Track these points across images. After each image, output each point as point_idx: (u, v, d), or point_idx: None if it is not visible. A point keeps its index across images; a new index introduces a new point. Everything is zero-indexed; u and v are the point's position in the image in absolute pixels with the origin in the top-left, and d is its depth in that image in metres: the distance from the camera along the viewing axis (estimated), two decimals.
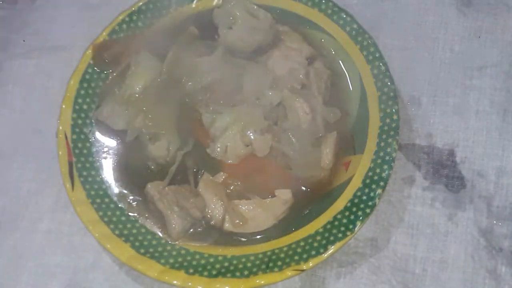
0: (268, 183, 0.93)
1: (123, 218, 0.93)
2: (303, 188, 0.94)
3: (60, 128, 0.97)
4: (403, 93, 1.04)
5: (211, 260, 0.90)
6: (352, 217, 0.89)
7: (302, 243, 0.90)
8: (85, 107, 0.99)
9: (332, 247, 0.88)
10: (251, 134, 0.92)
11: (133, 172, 0.96)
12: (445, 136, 1.02)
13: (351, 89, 1.00)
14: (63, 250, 0.99)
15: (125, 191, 0.96)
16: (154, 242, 0.92)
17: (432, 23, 1.08)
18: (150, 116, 0.94)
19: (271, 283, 0.87)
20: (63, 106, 0.98)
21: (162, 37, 1.03)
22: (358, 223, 0.88)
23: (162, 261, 0.89)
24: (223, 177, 0.93)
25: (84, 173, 0.95)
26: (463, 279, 0.93)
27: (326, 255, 0.87)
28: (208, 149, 0.93)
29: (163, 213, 0.92)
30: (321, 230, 0.90)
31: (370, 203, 0.89)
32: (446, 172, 0.99)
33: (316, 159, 0.93)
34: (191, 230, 0.93)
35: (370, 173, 0.92)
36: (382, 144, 0.93)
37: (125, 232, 0.92)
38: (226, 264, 0.89)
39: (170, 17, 1.05)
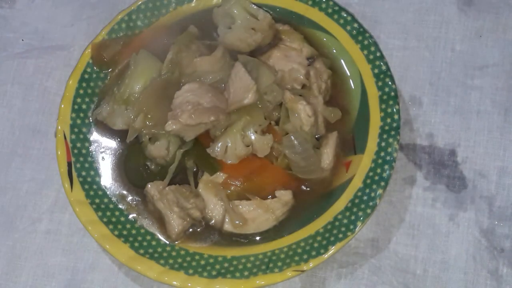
0: (268, 183, 0.93)
1: (122, 219, 0.93)
2: (304, 188, 0.94)
3: (59, 128, 0.96)
4: (404, 93, 1.04)
5: (211, 260, 0.89)
6: (352, 217, 0.89)
7: (302, 244, 0.89)
8: (84, 107, 0.99)
9: (333, 247, 0.87)
10: (251, 134, 0.92)
11: (133, 172, 0.96)
12: (446, 136, 1.01)
13: (352, 88, 0.99)
14: (62, 251, 0.98)
15: (124, 192, 0.95)
16: (153, 243, 0.91)
17: (433, 23, 1.08)
18: (150, 116, 0.93)
19: (271, 284, 0.87)
20: (62, 106, 0.98)
21: (161, 36, 1.03)
22: (359, 224, 0.88)
23: (162, 261, 0.89)
24: (223, 177, 0.93)
25: (83, 173, 0.95)
26: (464, 280, 0.93)
27: (326, 255, 0.87)
28: (208, 149, 0.92)
29: (162, 213, 0.91)
30: (321, 230, 0.90)
31: (371, 204, 0.89)
32: (447, 172, 0.99)
33: (318, 162, 0.92)
34: (191, 230, 0.93)
35: (371, 173, 0.92)
36: (383, 144, 0.93)
37: (124, 232, 0.91)
38: (226, 264, 0.89)
39: (170, 16, 1.05)
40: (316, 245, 0.88)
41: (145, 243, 0.91)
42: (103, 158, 0.97)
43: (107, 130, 0.98)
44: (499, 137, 1.01)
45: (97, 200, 0.93)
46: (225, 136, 0.92)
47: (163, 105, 0.93)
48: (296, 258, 0.88)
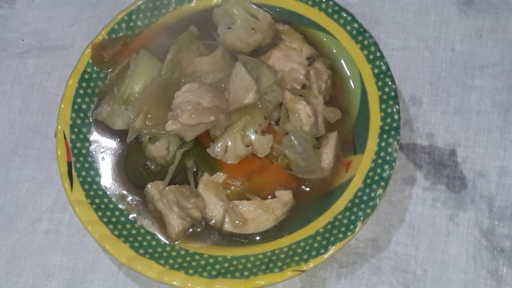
0: (268, 183, 0.93)
1: (122, 219, 0.93)
2: (304, 188, 0.94)
3: (59, 128, 0.96)
4: (404, 93, 1.04)
5: (211, 260, 0.89)
6: (352, 217, 0.89)
7: (302, 244, 0.89)
8: (84, 107, 0.99)
9: (333, 247, 0.87)
10: (251, 134, 0.92)
11: (133, 172, 0.96)
12: (446, 136, 1.01)
13: (352, 88, 0.99)
14: (62, 251, 0.98)
15: (124, 192, 0.95)
16: (153, 243, 0.91)
17: (433, 22, 1.08)
18: (150, 116, 0.93)
19: (271, 284, 0.87)
20: (62, 106, 0.98)
21: (161, 36, 1.03)
22: (359, 224, 0.88)
23: (162, 261, 0.89)
24: (223, 177, 0.93)
25: (83, 173, 0.95)
26: (464, 280, 0.93)
27: (326, 255, 0.87)
28: (208, 149, 0.92)
29: (162, 213, 0.91)
30: (321, 230, 0.90)
31: (370, 204, 0.89)
32: (447, 172, 0.99)
33: (318, 162, 0.92)
34: (191, 230, 0.93)
35: (371, 173, 0.91)
36: (383, 144, 0.93)
37: (124, 232, 0.91)
38: (226, 264, 0.89)
39: (170, 16, 1.05)
40: (316, 245, 0.88)
41: (145, 243, 0.91)
42: (103, 158, 0.97)
43: (107, 130, 0.98)
44: (499, 137, 1.01)
45: (97, 200, 0.93)
46: (225, 136, 0.92)
47: (163, 105, 0.93)
48: (296, 258, 0.88)
